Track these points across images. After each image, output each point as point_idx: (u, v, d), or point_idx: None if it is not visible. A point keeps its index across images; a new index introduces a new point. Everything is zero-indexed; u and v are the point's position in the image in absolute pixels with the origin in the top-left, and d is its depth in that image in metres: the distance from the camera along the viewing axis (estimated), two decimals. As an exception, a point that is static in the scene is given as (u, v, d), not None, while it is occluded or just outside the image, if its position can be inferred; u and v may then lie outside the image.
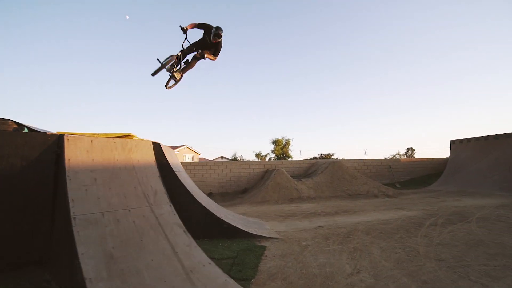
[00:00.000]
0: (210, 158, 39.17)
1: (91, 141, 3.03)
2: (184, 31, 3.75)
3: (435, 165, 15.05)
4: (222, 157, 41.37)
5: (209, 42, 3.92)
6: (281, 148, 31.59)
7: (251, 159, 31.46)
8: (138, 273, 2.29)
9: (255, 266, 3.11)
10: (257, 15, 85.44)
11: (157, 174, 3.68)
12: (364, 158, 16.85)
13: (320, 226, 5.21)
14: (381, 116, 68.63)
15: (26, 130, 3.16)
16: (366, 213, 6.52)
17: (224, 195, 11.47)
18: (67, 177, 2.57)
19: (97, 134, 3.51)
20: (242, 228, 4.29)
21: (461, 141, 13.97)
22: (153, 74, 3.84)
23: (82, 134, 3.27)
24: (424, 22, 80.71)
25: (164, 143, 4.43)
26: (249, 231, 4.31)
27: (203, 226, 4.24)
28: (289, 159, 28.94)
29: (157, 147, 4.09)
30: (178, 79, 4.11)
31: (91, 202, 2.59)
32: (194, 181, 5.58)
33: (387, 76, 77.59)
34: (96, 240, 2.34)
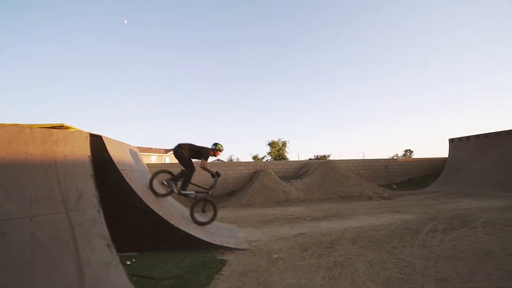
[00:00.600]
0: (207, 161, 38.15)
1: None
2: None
3: (433, 165, 14.39)
4: (218, 160, 40.50)
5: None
6: (277, 150, 30.80)
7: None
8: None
9: (201, 290, 2.38)
10: (253, 16, 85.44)
11: (90, 172, 2.94)
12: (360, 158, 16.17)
13: (301, 233, 4.48)
14: (380, 119, 68.08)
15: None
16: (357, 217, 5.80)
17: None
18: None
19: (11, 124, 2.79)
20: (202, 237, 3.56)
21: (460, 139, 13.30)
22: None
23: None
24: (424, 22, 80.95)
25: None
26: (211, 241, 3.58)
27: (154, 236, 3.51)
28: (280, 160, 28.13)
29: (97, 140, 3.37)
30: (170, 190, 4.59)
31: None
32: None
33: (387, 77, 77.44)
34: None
